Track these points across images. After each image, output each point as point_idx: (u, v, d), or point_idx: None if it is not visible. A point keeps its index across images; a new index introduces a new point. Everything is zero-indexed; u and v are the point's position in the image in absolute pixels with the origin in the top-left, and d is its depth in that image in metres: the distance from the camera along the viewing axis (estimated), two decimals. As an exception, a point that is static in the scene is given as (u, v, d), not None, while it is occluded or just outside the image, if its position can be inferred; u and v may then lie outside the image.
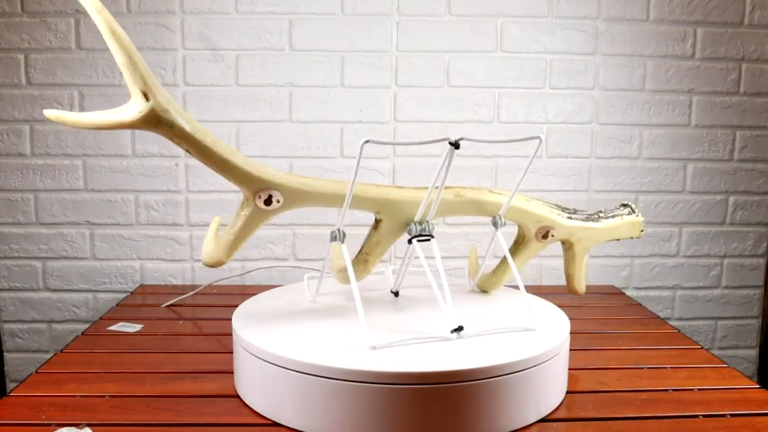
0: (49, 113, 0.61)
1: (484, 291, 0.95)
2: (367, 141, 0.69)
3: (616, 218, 0.89)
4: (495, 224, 0.84)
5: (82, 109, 1.27)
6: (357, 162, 0.71)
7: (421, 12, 1.27)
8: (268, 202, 0.74)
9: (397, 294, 0.92)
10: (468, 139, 0.72)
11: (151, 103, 0.63)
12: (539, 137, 0.76)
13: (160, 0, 1.25)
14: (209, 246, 0.76)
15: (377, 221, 0.80)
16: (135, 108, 0.62)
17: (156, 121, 0.64)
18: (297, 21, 1.26)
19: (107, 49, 1.25)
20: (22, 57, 1.25)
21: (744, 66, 1.32)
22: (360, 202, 0.77)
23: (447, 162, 0.73)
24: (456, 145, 0.71)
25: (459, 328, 0.73)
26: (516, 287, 0.92)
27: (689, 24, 1.30)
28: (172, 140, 0.67)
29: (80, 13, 1.25)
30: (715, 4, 1.29)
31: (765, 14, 1.30)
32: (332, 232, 0.78)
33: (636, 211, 0.90)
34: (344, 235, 0.78)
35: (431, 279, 0.77)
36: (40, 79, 1.26)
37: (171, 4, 1.25)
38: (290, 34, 1.27)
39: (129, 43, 0.61)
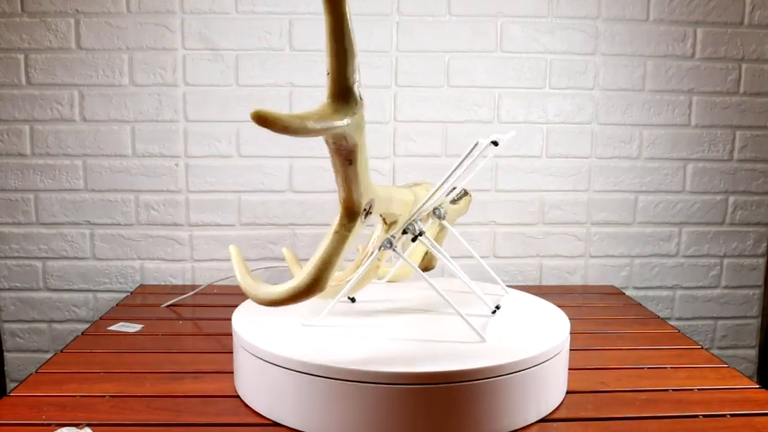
0: (261, 113, 0.47)
1: (394, 281, 1.00)
2: (477, 144, 0.69)
3: (463, 198, 1.02)
4: (439, 215, 0.91)
5: (82, 109, 1.27)
6: (462, 162, 0.69)
7: (421, 12, 1.27)
8: (367, 214, 0.67)
9: (353, 300, 0.89)
10: (502, 138, 0.74)
11: (362, 103, 0.59)
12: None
13: (160, 0, 1.25)
14: (248, 278, 0.66)
15: (389, 223, 0.79)
16: (350, 110, 0.56)
17: (357, 124, 0.59)
18: (297, 21, 1.26)
19: (107, 49, 1.25)
20: (22, 57, 1.25)
21: (744, 66, 1.32)
22: (407, 206, 0.76)
23: (474, 159, 0.76)
24: (495, 143, 0.74)
25: (498, 307, 0.80)
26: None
27: (689, 24, 1.30)
28: (340, 148, 0.60)
29: (80, 12, 1.25)
30: (715, 4, 1.29)
31: (765, 14, 1.30)
32: (386, 239, 0.75)
33: (468, 192, 1.04)
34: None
35: (458, 271, 0.83)
36: (40, 79, 1.26)
37: (171, 4, 1.25)
38: (290, 34, 1.27)
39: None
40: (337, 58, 0.55)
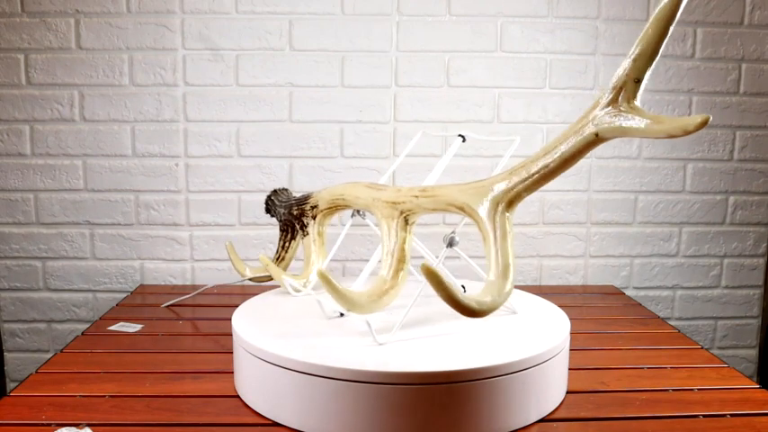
0: (695, 125, 0.51)
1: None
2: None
3: None
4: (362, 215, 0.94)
5: (82, 109, 1.27)
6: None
7: (421, 12, 1.27)
8: None
9: (342, 314, 0.82)
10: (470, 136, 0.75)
11: None
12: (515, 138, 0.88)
13: (160, 0, 1.25)
14: (457, 294, 0.60)
15: (410, 223, 0.78)
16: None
17: None
18: (297, 21, 1.26)
19: (107, 49, 1.25)
20: (22, 57, 1.25)
21: (744, 66, 1.32)
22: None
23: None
24: (463, 138, 0.79)
25: (463, 287, 0.88)
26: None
27: (689, 24, 1.30)
28: (596, 144, 0.63)
29: (80, 12, 1.25)
30: (715, 4, 1.29)
31: (765, 14, 1.30)
32: (451, 238, 0.75)
33: None
34: None
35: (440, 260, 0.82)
36: (40, 79, 1.26)
37: (171, 4, 1.25)
38: (290, 34, 1.27)
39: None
40: (650, 66, 0.58)
